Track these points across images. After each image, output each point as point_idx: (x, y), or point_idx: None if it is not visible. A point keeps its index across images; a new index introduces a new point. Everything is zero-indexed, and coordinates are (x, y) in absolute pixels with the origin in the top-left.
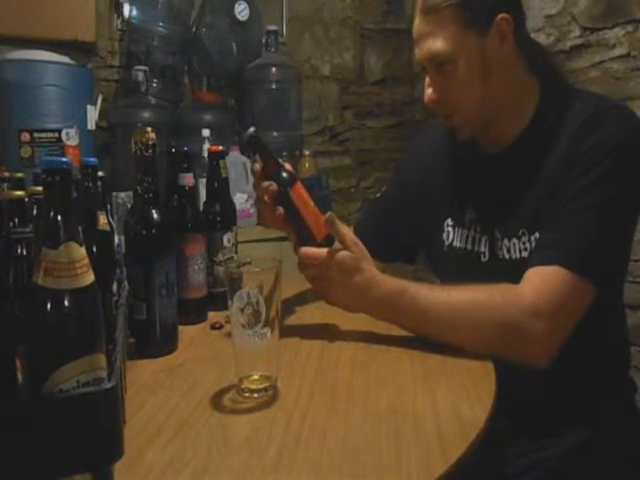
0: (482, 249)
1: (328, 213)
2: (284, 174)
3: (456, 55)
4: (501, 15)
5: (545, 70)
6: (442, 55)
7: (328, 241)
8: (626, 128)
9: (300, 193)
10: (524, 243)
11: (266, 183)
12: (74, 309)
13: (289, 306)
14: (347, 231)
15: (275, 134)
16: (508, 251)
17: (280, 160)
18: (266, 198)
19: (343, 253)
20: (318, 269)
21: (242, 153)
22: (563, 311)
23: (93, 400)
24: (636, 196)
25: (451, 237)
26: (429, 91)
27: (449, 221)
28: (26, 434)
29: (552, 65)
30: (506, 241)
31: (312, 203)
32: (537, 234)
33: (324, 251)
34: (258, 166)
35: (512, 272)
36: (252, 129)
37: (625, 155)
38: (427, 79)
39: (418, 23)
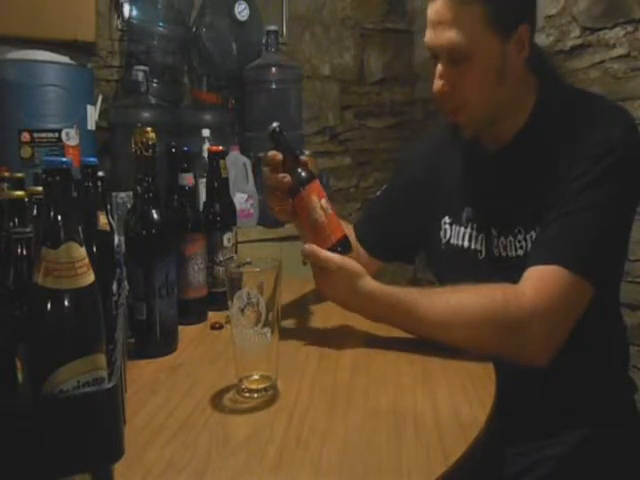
0: (479, 247)
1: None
2: (302, 172)
3: (476, 53)
4: (524, 25)
5: (543, 69)
6: (463, 50)
7: (343, 243)
8: (624, 129)
9: (316, 193)
10: (520, 241)
11: (281, 175)
12: (74, 309)
13: (289, 306)
14: (327, 255)
15: None
16: (504, 249)
17: (301, 157)
18: (278, 193)
19: (333, 279)
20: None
21: (241, 152)
22: (562, 311)
23: (93, 400)
24: (634, 196)
25: (448, 235)
26: (440, 82)
27: (446, 219)
28: (26, 434)
29: (550, 65)
30: (502, 239)
31: (327, 204)
32: (533, 232)
33: (326, 256)
34: (280, 156)
35: (509, 270)
36: (275, 123)
37: (623, 155)
38: (438, 68)
39: (441, 7)
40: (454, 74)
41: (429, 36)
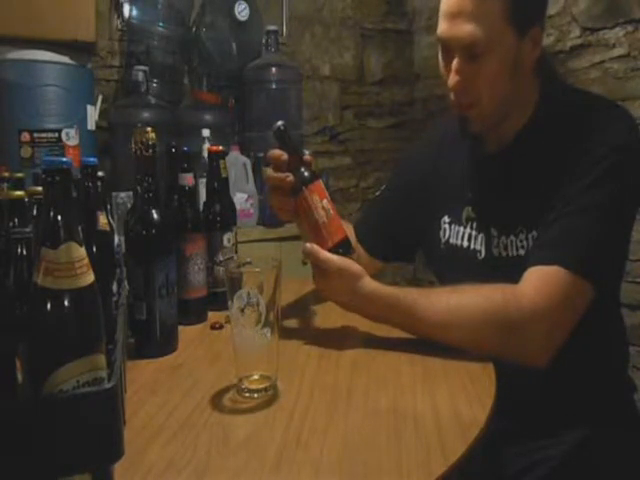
0: (478, 247)
1: (307, 244)
2: (305, 171)
3: (493, 48)
4: (537, 25)
5: (546, 70)
6: (482, 45)
7: (344, 245)
8: (625, 129)
9: (318, 193)
10: (521, 241)
11: (283, 174)
12: (74, 309)
13: (289, 306)
14: (327, 256)
15: None
16: (505, 248)
17: (305, 156)
18: (280, 192)
19: (332, 282)
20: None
21: (241, 152)
22: (562, 311)
23: (93, 400)
24: (635, 196)
25: (447, 234)
26: (457, 78)
27: (446, 218)
28: (26, 434)
29: (551, 65)
30: (503, 239)
31: (329, 205)
32: (535, 232)
33: (326, 257)
34: (285, 156)
35: (509, 270)
36: (280, 122)
37: (624, 156)
38: (455, 63)
39: None
40: (471, 69)
41: (445, 28)
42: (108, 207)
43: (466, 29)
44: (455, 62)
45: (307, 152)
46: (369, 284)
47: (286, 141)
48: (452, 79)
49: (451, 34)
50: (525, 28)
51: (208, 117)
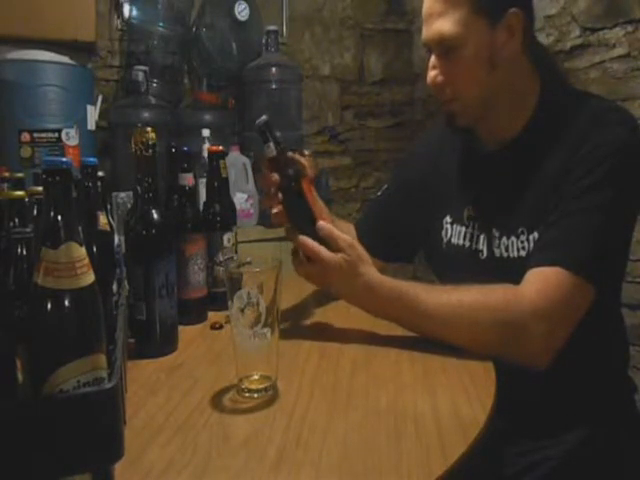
0: (480, 247)
1: (319, 221)
2: (291, 168)
3: (464, 40)
4: (513, 9)
5: (547, 70)
6: (451, 38)
7: None
8: (625, 130)
9: (305, 189)
10: (522, 242)
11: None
12: (74, 309)
13: (289, 306)
14: (340, 233)
15: None
16: (506, 249)
17: (291, 153)
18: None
19: (340, 259)
20: (316, 270)
21: (241, 152)
22: (563, 312)
23: (93, 400)
24: (635, 198)
25: (449, 234)
26: (433, 73)
27: (448, 218)
28: (26, 434)
29: (553, 65)
30: (504, 239)
31: (317, 200)
32: (536, 234)
33: (323, 251)
34: (268, 156)
35: (510, 270)
36: (264, 117)
37: (625, 157)
38: (432, 60)
39: (430, 1)
40: (446, 64)
41: (423, 31)
42: (108, 207)
43: (435, 27)
44: (431, 59)
45: (307, 152)
46: (373, 273)
47: (271, 138)
48: (429, 76)
49: (426, 36)
50: (497, 16)
51: (208, 117)
